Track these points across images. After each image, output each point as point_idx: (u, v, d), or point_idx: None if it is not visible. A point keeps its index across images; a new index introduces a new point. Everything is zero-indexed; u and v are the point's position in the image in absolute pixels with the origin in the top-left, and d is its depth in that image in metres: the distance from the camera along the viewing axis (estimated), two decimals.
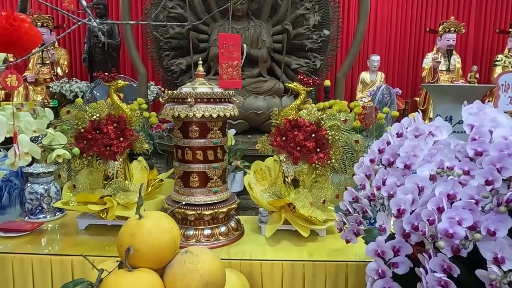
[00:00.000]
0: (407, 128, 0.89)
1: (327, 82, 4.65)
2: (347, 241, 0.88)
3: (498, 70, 4.87)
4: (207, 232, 1.21)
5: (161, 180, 1.42)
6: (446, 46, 4.74)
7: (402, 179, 0.80)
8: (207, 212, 1.20)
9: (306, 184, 1.33)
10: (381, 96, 2.85)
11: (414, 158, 0.80)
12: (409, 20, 5.60)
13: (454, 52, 4.82)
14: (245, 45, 2.43)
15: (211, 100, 1.21)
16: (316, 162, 1.28)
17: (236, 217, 1.35)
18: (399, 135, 0.91)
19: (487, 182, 0.68)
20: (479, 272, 0.64)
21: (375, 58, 4.89)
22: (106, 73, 1.36)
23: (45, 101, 4.46)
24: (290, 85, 1.35)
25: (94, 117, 1.32)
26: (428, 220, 0.69)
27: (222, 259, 1.13)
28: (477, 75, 5.03)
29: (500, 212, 0.65)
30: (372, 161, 0.90)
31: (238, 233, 1.28)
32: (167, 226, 0.78)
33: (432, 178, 0.77)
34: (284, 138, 1.30)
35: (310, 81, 1.34)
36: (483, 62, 5.67)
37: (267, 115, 2.20)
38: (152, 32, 2.71)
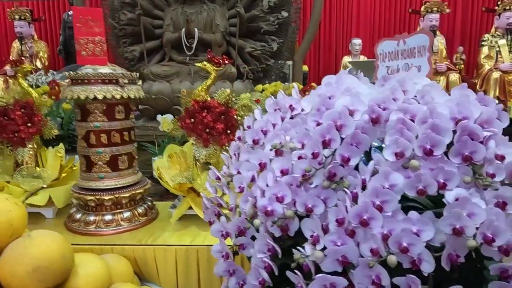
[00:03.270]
0: None
1: (305, 68, 4.55)
2: (210, 223, 0.84)
3: (485, 50, 4.71)
4: (107, 218, 1.18)
5: (74, 166, 1.39)
6: (428, 27, 4.58)
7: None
8: (107, 197, 1.17)
9: (219, 168, 1.28)
10: None
11: (262, 133, 0.75)
12: (392, 1, 5.44)
13: (437, 33, 4.67)
14: (196, 29, 2.37)
15: (113, 81, 1.18)
16: (226, 144, 1.24)
17: (148, 203, 1.31)
18: None
19: (314, 155, 0.63)
20: (295, 253, 0.59)
21: (357, 42, 4.77)
22: (13, 59, 1.33)
23: None
24: (199, 64, 1.30)
25: (1, 103, 1.29)
26: (255, 197, 0.64)
27: (115, 245, 1.10)
28: (463, 56, 4.89)
29: (324, 187, 0.61)
30: (239, 138, 0.85)
31: (146, 219, 1.24)
32: (2, 208, 0.74)
33: (279, 153, 0.72)
34: (192, 120, 1.26)
35: (219, 59, 1.28)
36: (472, 43, 5.50)
37: None
38: (108, 19, 2.65)
